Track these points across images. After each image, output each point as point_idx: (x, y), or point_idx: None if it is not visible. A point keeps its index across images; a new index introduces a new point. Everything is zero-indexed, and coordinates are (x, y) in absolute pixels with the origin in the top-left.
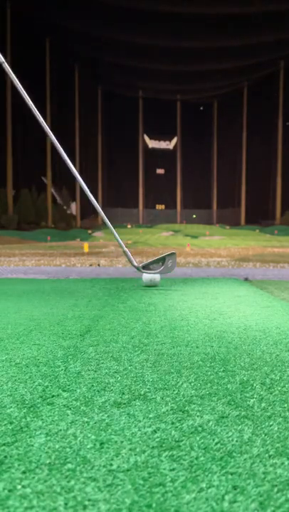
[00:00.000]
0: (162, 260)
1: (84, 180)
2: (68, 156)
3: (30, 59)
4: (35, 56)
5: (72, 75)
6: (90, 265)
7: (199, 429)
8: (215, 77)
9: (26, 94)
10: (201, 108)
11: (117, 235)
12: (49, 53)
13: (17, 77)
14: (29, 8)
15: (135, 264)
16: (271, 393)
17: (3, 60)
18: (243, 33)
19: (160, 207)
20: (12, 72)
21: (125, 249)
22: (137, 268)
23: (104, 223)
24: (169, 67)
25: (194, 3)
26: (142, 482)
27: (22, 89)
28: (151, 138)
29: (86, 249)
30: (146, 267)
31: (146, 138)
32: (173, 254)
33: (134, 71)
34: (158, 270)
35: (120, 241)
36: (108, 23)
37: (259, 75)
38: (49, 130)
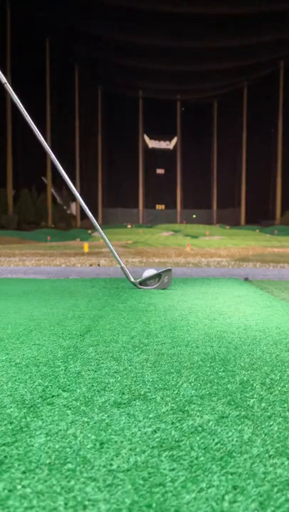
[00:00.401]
0: (158, 277)
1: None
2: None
3: (30, 59)
4: (35, 56)
5: (72, 75)
6: (90, 265)
7: (199, 429)
8: (215, 77)
9: (28, 116)
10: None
11: (115, 252)
12: (49, 53)
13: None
14: (29, 8)
15: (132, 279)
16: (271, 393)
17: (5, 80)
18: (243, 33)
19: (160, 207)
20: (14, 93)
21: (123, 265)
22: (134, 284)
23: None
24: (169, 67)
25: (194, 3)
26: (142, 482)
27: (24, 109)
28: (151, 138)
29: (86, 249)
30: (143, 283)
31: (146, 138)
32: (169, 270)
33: (134, 71)
34: (154, 286)
35: (118, 257)
36: (108, 23)
37: (259, 75)
38: (46, 144)
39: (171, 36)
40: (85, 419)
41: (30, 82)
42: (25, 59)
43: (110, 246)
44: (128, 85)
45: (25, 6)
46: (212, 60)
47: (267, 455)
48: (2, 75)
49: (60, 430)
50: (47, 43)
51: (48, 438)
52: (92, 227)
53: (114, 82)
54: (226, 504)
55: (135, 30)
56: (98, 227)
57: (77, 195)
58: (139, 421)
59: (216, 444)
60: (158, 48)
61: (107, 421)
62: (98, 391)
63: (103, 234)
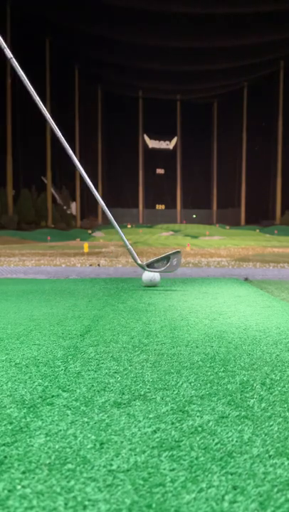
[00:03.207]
0: (167, 259)
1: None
2: (68, 156)
3: (30, 59)
4: (35, 56)
5: (72, 75)
6: (90, 265)
7: (199, 429)
8: (215, 77)
9: (32, 89)
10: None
11: (121, 233)
12: (49, 53)
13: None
14: (29, 8)
15: (139, 262)
16: (271, 393)
17: (11, 55)
18: (243, 33)
19: (160, 207)
20: (20, 68)
21: (130, 247)
22: (141, 266)
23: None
24: (169, 67)
25: (195, 3)
26: (142, 482)
27: (28, 83)
28: (151, 138)
29: (86, 249)
30: (150, 265)
31: (146, 138)
32: (178, 252)
33: (134, 71)
34: (163, 268)
35: (124, 238)
36: (108, 23)
37: (259, 75)
38: (56, 129)
39: (172, 36)
40: (85, 420)
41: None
42: (25, 59)
43: (117, 227)
44: (128, 85)
45: (26, 6)
46: (212, 60)
47: (267, 455)
48: (8, 50)
49: (60, 430)
50: (47, 43)
51: (48, 438)
52: (92, 228)
53: (114, 82)
54: (225, 504)
55: (135, 30)
56: (106, 210)
57: (96, 193)
58: (139, 421)
59: (216, 444)
60: (158, 48)
61: (107, 421)
62: (98, 391)
63: (109, 213)
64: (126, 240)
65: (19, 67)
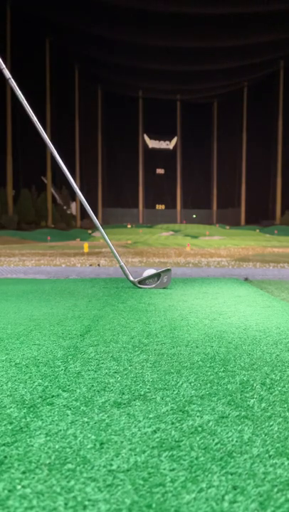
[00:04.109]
0: (158, 276)
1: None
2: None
3: (30, 59)
4: (35, 56)
5: (72, 75)
6: (90, 265)
7: (199, 429)
8: (215, 77)
9: (31, 112)
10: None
11: (115, 251)
12: (49, 53)
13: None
14: (29, 8)
15: (131, 278)
16: (271, 393)
17: (9, 76)
18: (243, 33)
19: (160, 207)
20: (18, 89)
21: (122, 264)
22: (133, 283)
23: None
24: (169, 67)
25: (195, 3)
26: (142, 482)
27: (27, 105)
28: (151, 138)
29: (86, 249)
30: (142, 282)
31: (146, 138)
32: (168, 270)
33: (134, 71)
34: (153, 285)
35: (118, 256)
36: (108, 23)
37: (259, 75)
38: (49, 141)
39: (171, 36)
40: (85, 419)
41: (30, 83)
42: (25, 59)
43: (110, 245)
44: (128, 85)
45: (26, 6)
46: (212, 60)
47: (267, 455)
48: (6, 70)
49: (60, 430)
50: (47, 43)
51: (48, 438)
52: (93, 227)
53: (114, 82)
54: (225, 504)
55: (135, 30)
56: (99, 225)
57: (79, 192)
58: (139, 421)
59: (216, 444)
60: (158, 48)
61: (107, 421)
62: (98, 391)
63: (103, 232)
64: (119, 257)
65: (18, 88)
